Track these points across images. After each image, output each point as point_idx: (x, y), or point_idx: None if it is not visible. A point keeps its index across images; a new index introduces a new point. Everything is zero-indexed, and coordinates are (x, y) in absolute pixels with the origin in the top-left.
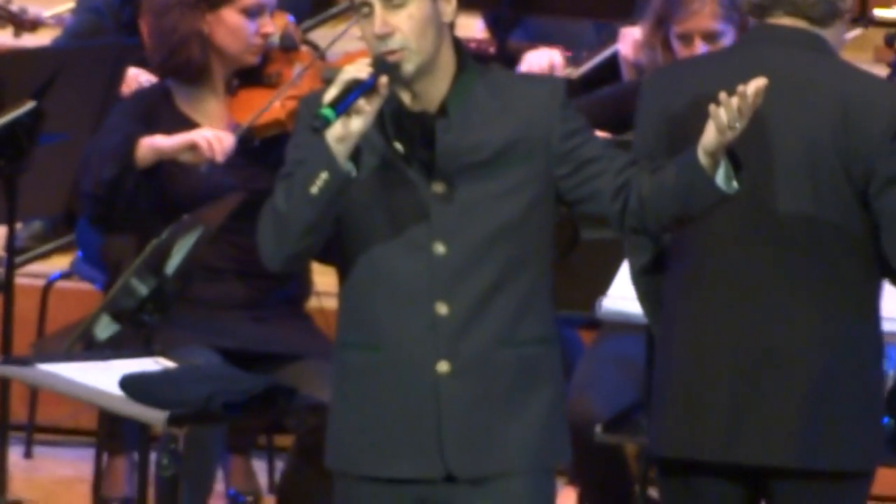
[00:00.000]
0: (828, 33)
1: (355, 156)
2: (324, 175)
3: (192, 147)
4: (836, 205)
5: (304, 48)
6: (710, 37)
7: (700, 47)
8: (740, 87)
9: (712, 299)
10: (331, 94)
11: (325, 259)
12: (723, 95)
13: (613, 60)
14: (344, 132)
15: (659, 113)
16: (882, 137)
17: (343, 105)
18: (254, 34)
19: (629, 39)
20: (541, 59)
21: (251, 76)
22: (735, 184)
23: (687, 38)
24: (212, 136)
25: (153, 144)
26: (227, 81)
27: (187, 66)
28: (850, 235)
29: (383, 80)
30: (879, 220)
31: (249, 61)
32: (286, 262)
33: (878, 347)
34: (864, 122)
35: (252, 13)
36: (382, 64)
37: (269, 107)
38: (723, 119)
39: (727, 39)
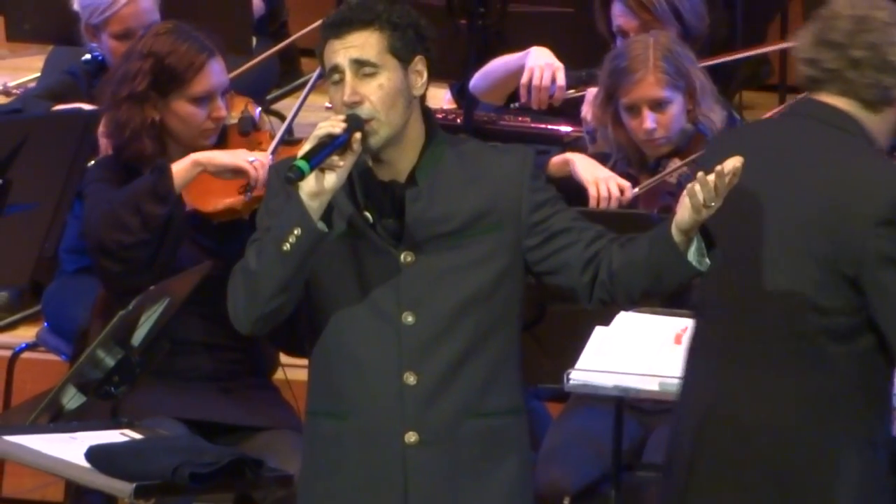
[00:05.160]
0: (873, 119)
1: (327, 217)
2: (296, 231)
3: (240, 171)
4: (817, 284)
5: (264, 128)
6: (656, 105)
7: (648, 117)
8: (718, 167)
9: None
10: (305, 148)
11: (279, 343)
12: (700, 174)
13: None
14: (318, 188)
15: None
16: (869, 221)
17: (317, 159)
18: (205, 119)
19: (590, 97)
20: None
21: None
22: (707, 261)
23: (634, 109)
24: (258, 162)
25: (199, 158)
26: None
27: (140, 157)
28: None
29: (357, 135)
30: (871, 300)
31: (203, 145)
32: (256, 324)
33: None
34: (855, 206)
35: (202, 101)
36: (356, 120)
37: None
38: (699, 198)
39: (676, 107)
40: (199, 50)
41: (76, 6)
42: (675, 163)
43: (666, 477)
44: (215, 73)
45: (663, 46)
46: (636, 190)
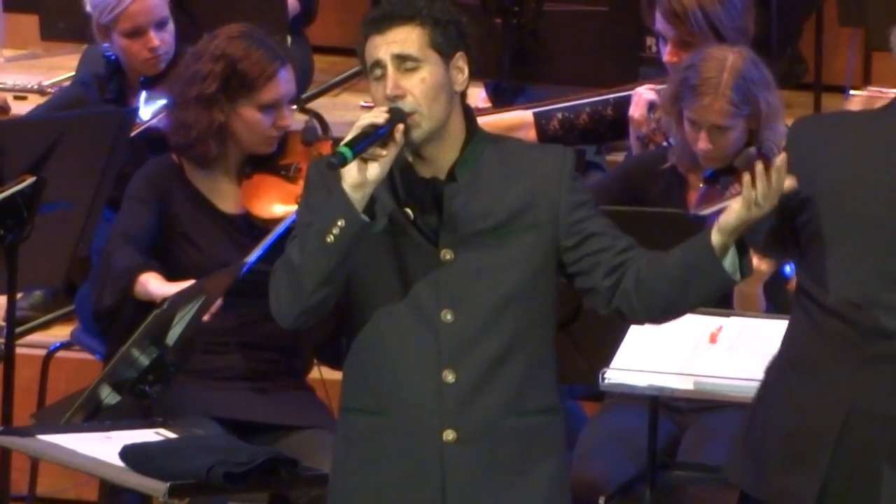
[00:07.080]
0: None
1: (370, 209)
2: (340, 222)
3: None
4: None
5: (326, 140)
6: (716, 130)
7: (706, 138)
8: (775, 160)
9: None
10: (348, 137)
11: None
12: (759, 167)
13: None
14: (361, 179)
15: (801, 161)
16: None
17: (360, 147)
18: (270, 127)
19: (637, 98)
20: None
21: (266, 162)
22: (738, 275)
23: (695, 125)
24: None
25: (146, 289)
26: (239, 165)
27: (204, 158)
28: None
29: (400, 127)
30: None
31: (265, 151)
32: (299, 318)
33: None
34: None
35: (269, 108)
36: (399, 112)
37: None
38: (752, 194)
39: (736, 132)
40: (272, 58)
41: (88, 7)
42: (738, 188)
43: (789, 471)
44: (285, 81)
45: (737, 71)
46: None
